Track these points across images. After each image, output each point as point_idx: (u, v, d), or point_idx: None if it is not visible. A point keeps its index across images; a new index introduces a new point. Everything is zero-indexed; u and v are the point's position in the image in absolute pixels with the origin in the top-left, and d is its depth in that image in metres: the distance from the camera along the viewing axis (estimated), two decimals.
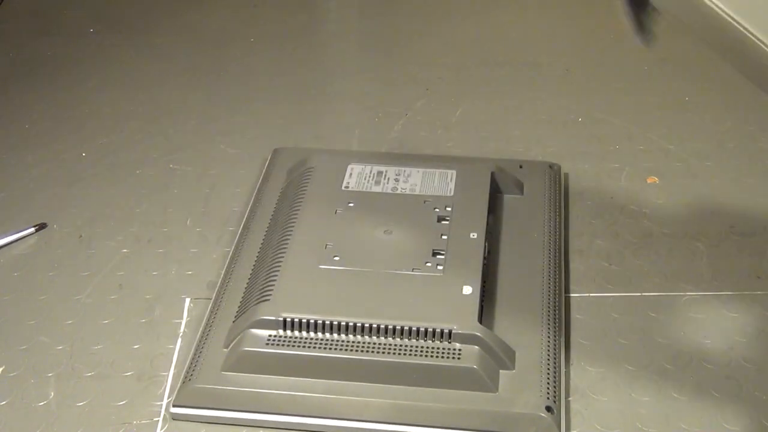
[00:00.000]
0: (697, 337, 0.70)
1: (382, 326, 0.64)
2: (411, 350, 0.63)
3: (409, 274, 0.68)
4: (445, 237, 0.72)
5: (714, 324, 0.72)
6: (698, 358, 0.68)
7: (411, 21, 1.22)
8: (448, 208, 0.76)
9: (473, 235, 0.72)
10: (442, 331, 0.63)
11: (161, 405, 0.67)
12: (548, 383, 0.64)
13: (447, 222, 0.74)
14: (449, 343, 0.63)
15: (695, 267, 0.77)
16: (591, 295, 0.75)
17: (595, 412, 0.64)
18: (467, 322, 0.64)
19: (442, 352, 0.63)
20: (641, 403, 0.64)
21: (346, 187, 0.79)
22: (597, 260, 0.78)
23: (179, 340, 0.72)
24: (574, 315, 0.73)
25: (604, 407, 0.64)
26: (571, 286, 0.76)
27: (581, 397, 0.65)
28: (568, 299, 0.74)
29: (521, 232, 0.78)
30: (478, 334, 0.63)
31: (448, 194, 0.77)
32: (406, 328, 0.64)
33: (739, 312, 0.73)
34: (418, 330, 0.64)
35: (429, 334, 0.64)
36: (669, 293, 0.75)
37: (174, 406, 0.65)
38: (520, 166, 0.85)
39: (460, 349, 0.63)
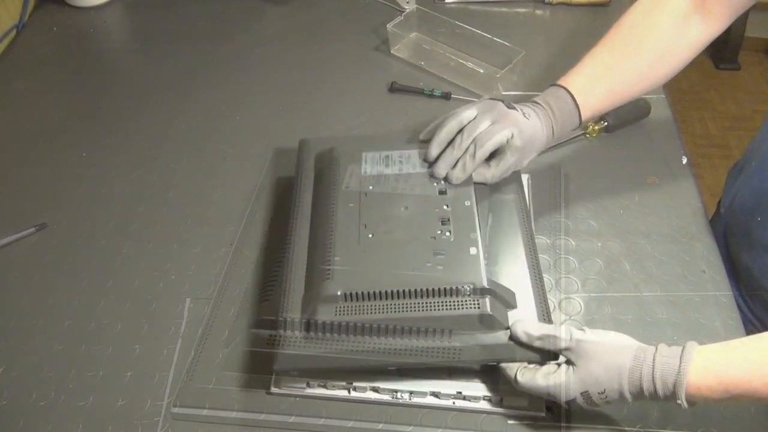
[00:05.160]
0: (697, 337, 0.70)
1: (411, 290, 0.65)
2: (437, 306, 0.64)
3: (430, 239, 0.69)
4: (447, 208, 0.72)
5: (714, 324, 0.72)
6: None
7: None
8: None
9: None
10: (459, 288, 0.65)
11: (161, 405, 0.67)
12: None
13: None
14: (468, 297, 0.65)
15: (695, 267, 0.77)
16: (591, 295, 0.75)
17: (595, 412, 0.64)
18: (479, 280, 0.65)
19: (463, 304, 0.64)
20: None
21: (365, 173, 0.78)
22: (597, 260, 0.78)
23: (179, 340, 0.72)
24: (575, 315, 0.73)
25: (604, 407, 0.64)
26: (571, 287, 0.76)
27: None
28: (568, 300, 0.74)
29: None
30: (488, 286, 0.65)
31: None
32: (430, 289, 0.65)
33: (738, 312, 0.73)
34: (441, 290, 0.65)
35: (452, 292, 0.65)
36: (669, 293, 0.75)
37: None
38: None
39: (477, 300, 0.64)
